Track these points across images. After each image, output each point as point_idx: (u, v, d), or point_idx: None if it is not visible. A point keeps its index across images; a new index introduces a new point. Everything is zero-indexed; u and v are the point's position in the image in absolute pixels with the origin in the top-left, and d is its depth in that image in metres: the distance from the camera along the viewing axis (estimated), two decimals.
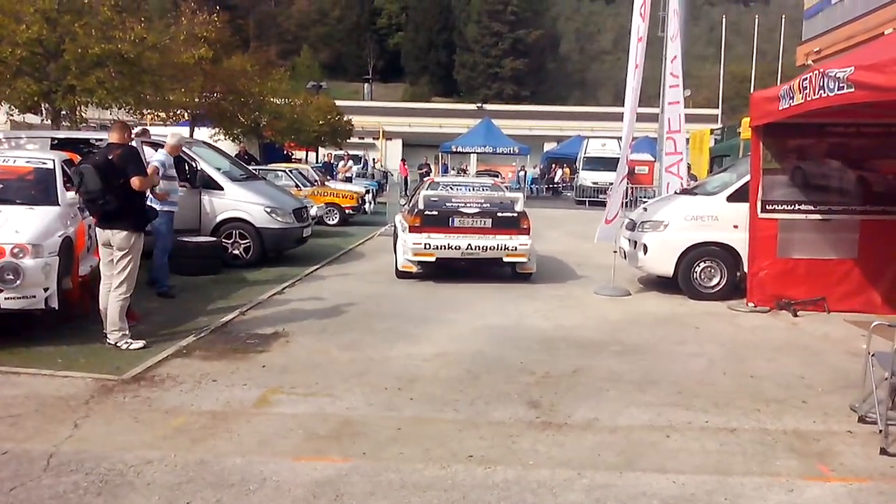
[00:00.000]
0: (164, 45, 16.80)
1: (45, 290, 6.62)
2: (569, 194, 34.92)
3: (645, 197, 26.39)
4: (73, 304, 7.51)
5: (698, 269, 9.68)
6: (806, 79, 6.94)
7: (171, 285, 9.36)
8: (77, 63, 15.25)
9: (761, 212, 9.06)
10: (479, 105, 54.04)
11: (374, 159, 46.07)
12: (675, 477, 4.26)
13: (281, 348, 6.91)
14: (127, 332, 6.82)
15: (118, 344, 6.73)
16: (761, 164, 9.04)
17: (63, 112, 16.88)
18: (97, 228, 7.06)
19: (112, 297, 6.78)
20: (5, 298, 6.36)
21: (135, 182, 6.83)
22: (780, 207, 9.08)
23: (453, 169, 36.23)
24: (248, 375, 6.02)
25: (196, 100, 21.88)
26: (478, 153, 34.85)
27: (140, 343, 6.79)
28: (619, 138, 34.37)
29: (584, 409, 5.37)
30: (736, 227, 9.52)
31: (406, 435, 4.82)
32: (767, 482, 4.23)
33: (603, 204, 27.03)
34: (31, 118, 21.98)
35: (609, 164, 31.04)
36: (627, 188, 27.27)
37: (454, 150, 33.68)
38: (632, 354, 6.92)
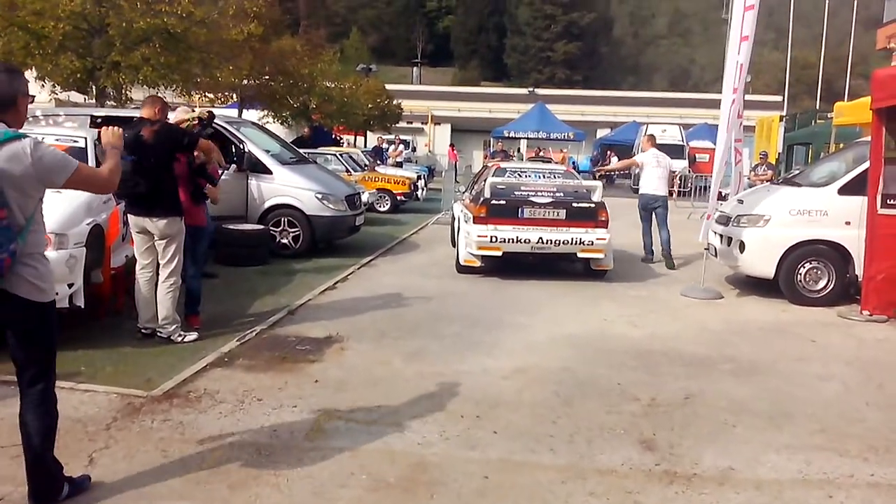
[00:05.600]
0: (211, 20, 15.99)
1: (70, 285, 5.81)
2: (625, 182, 33.44)
3: (705, 186, 24.91)
4: (104, 299, 6.71)
5: (803, 271, 8.50)
6: None
7: (213, 273, 8.65)
8: (121, 38, 14.58)
9: (882, 207, 7.85)
10: (531, 90, 52.49)
11: (425, 144, 45.17)
12: None
13: (335, 357, 5.99)
14: (179, 324, 6.26)
15: (172, 337, 6.16)
16: (883, 153, 7.84)
17: (109, 91, 16.27)
18: (129, 216, 6.27)
19: (162, 289, 6.13)
20: None
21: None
22: None
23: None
24: (299, 393, 5.10)
25: (245, 81, 21.16)
26: (530, 138, 33.58)
27: (194, 335, 6.28)
28: (682, 124, 33.17)
29: (711, 452, 4.33)
30: (848, 223, 8.33)
31: (496, 487, 3.84)
32: None
33: None
34: (77, 97, 21.52)
35: (670, 150, 29.36)
36: (691, 176, 25.95)
37: (506, 135, 32.46)
38: (749, 375, 5.84)
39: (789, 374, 5.89)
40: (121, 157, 3.69)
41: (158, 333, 6.18)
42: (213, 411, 4.72)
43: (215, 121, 10.71)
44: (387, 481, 3.84)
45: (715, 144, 30.83)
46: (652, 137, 12.83)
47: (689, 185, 24.46)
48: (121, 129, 3.74)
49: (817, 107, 29.16)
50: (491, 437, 4.46)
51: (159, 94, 17.31)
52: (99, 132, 3.88)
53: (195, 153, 6.42)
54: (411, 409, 4.85)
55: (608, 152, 37.22)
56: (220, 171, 7.15)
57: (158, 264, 6.17)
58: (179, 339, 6.18)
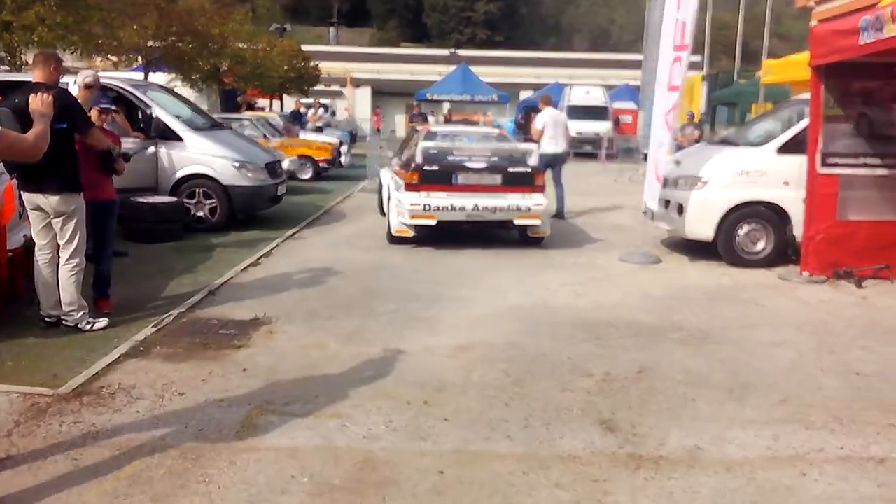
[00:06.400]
0: None
1: None
2: None
3: (629, 147, 25.14)
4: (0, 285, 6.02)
5: (741, 233, 8.41)
6: None
7: (123, 252, 7.97)
8: None
9: (821, 166, 7.78)
10: (452, 51, 51.74)
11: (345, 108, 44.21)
12: None
13: (264, 342, 5.51)
14: (87, 310, 5.64)
15: (80, 325, 5.55)
16: (823, 111, 7.75)
17: (1, 54, 14.99)
18: (23, 192, 5.60)
19: (64, 272, 5.49)
20: None
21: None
22: (842, 161, 7.81)
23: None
24: (226, 385, 4.62)
25: (151, 42, 19.92)
26: (454, 101, 33.04)
27: (104, 321, 5.69)
28: (605, 86, 33.17)
29: (676, 431, 4.08)
30: (786, 183, 8.25)
31: (453, 483, 3.48)
32: None
33: (588, 155, 25.78)
34: None
35: (594, 112, 29.49)
36: (616, 138, 26.03)
37: (429, 97, 31.86)
38: (700, 345, 5.64)
39: (741, 342, 5.72)
40: (50, 126, 3.66)
41: (64, 321, 5.58)
42: (129, 410, 4.20)
43: (118, 85, 9.96)
44: (332, 483, 3.44)
45: (637, 105, 30.80)
46: (547, 98, 13.27)
47: (615, 147, 24.56)
48: (51, 97, 3.74)
49: (736, 66, 29.51)
50: (442, 426, 4.10)
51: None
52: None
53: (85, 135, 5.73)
54: (352, 398, 4.44)
55: (532, 114, 37.00)
56: (123, 155, 6.44)
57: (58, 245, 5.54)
58: (88, 326, 5.58)
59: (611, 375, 4.92)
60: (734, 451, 3.86)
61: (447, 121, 27.44)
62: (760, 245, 8.42)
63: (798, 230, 8.13)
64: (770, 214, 8.35)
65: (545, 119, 12.08)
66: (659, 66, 8.72)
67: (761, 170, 8.30)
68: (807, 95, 8.64)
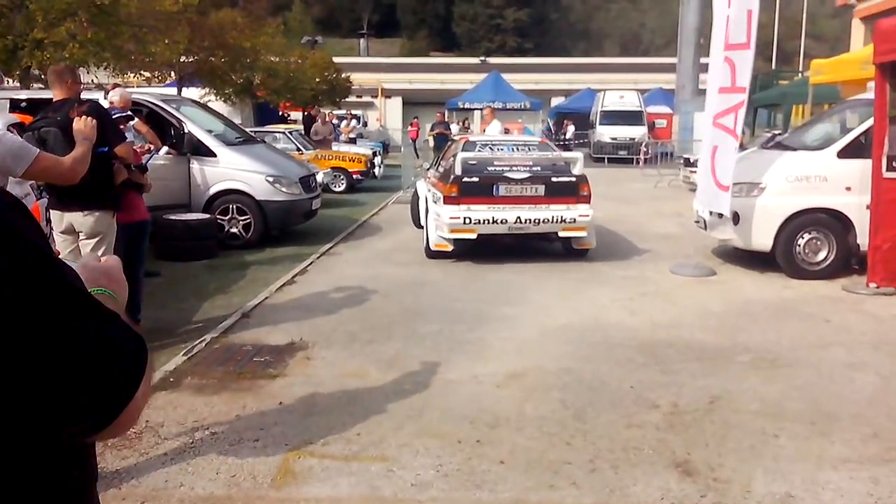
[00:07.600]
0: None
1: None
2: (585, 151, 32.74)
3: (664, 152, 24.50)
4: None
5: (801, 242, 7.91)
6: None
7: (155, 271, 7.71)
8: (44, 13, 13.31)
9: (887, 170, 7.26)
10: (483, 59, 51.44)
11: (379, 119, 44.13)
12: None
13: (301, 369, 5.17)
14: None
15: None
16: (888, 112, 7.24)
17: (34, 71, 14.97)
18: (55, 212, 5.32)
19: None
20: None
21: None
22: None
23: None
24: (261, 420, 4.28)
25: (183, 57, 19.87)
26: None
27: None
28: (638, 90, 32.57)
29: (761, 474, 3.64)
30: (848, 189, 7.75)
31: None
32: None
33: (623, 160, 25.64)
34: None
35: (628, 117, 28.96)
36: (652, 143, 25.43)
37: (461, 106, 31.52)
38: (771, 368, 5.18)
39: (816, 365, 5.24)
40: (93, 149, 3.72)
41: None
42: (156, 453, 3.87)
43: (150, 101, 9.75)
44: None
45: (672, 109, 30.12)
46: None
47: (651, 151, 23.99)
48: (94, 121, 3.79)
49: (773, 68, 28.81)
50: (498, 470, 3.70)
51: (91, 75, 16.07)
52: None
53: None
54: (397, 436, 4.07)
55: (564, 121, 36.55)
56: (138, 167, 6.13)
57: None
58: None
59: (679, 407, 4.49)
60: (831, 499, 3.42)
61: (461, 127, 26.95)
62: (822, 255, 7.92)
63: (862, 239, 7.63)
64: (832, 222, 7.85)
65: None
66: (710, 67, 8.26)
67: (821, 175, 7.81)
68: (865, 95, 8.14)
